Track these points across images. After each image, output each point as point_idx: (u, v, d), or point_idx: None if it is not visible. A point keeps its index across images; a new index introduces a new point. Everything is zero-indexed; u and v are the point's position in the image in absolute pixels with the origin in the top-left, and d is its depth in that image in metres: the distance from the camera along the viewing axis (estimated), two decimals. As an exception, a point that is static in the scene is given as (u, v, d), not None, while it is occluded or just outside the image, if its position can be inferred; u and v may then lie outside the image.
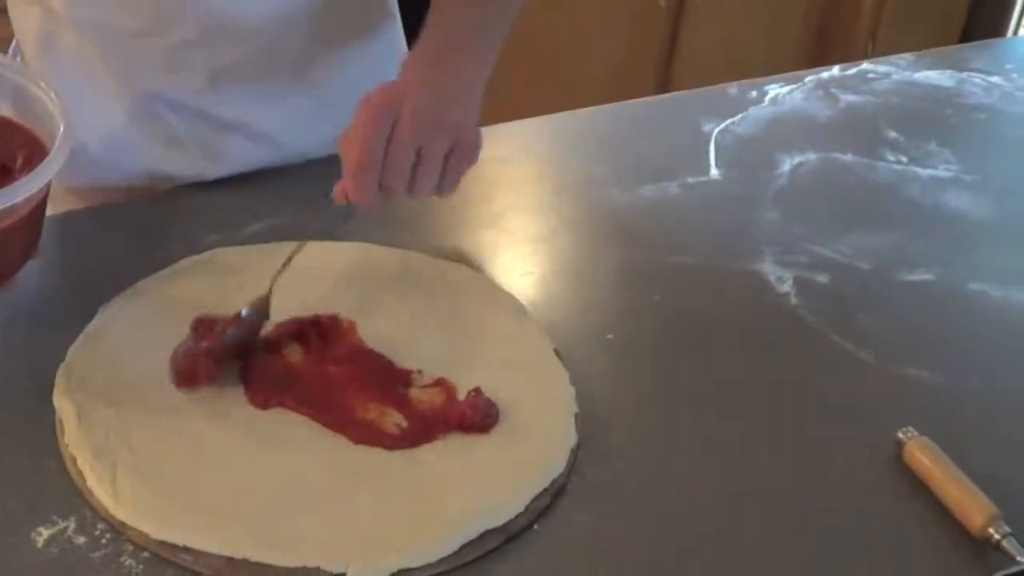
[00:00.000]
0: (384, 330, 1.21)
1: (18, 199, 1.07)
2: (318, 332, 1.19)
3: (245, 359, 1.15)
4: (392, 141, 1.17)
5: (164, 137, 1.42)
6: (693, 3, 3.32)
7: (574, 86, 3.17)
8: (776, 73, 1.87)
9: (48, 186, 1.13)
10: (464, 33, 1.27)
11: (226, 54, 1.38)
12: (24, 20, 1.41)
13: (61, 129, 1.12)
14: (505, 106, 3.09)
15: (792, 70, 1.89)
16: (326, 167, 1.27)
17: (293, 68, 1.44)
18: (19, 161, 1.16)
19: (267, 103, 1.44)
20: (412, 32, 1.33)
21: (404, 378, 1.15)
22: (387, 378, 1.15)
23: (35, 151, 1.15)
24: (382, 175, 1.17)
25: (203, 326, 1.16)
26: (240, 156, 1.45)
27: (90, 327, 1.18)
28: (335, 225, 1.24)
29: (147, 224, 1.31)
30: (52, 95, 1.17)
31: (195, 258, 1.29)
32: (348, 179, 1.18)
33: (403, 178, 1.18)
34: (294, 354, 1.16)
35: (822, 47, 3.43)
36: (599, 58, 3.32)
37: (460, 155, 1.21)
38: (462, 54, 1.26)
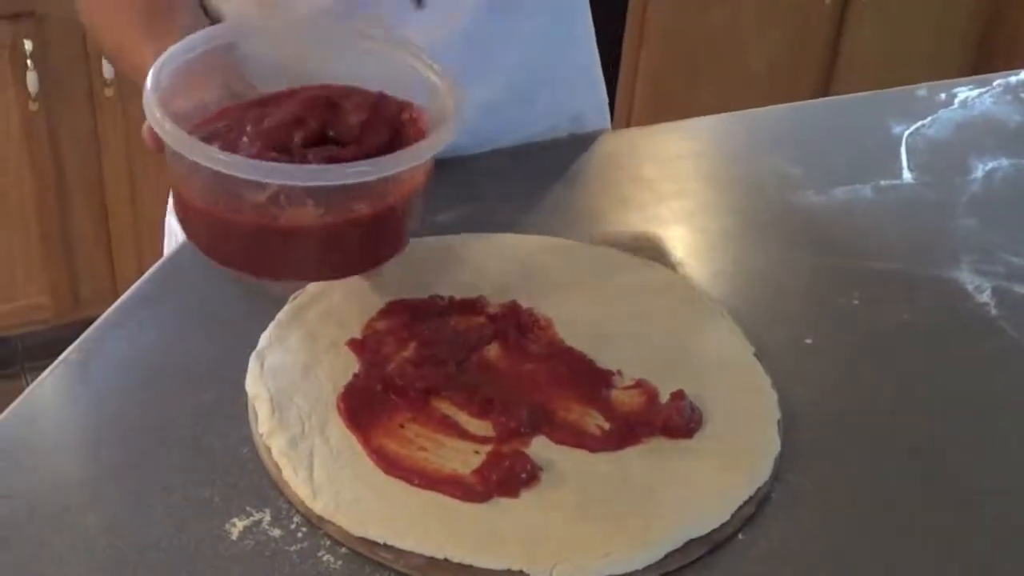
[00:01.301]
0: (580, 328, 1.18)
1: (419, 160, 1.07)
2: (517, 327, 1.15)
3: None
4: None
5: None
6: (859, 1, 3.28)
7: (732, 85, 3.14)
8: (939, 74, 1.83)
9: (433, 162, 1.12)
10: None
11: None
12: None
13: (455, 98, 1.11)
14: (661, 105, 3.08)
15: (956, 72, 1.86)
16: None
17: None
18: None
19: None
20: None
21: (605, 379, 1.12)
22: (588, 378, 1.11)
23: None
24: None
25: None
26: None
27: (281, 314, 1.16)
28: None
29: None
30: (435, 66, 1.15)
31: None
32: None
33: None
34: (491, 350, 1.13)
35: (984, 50, 3.36)
36: (759, 57, 3.29)
37: None
38: None
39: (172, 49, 1.12)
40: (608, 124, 1.64)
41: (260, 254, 1.09)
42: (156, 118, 1.03)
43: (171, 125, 1.02)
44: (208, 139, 1.06)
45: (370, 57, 1.18)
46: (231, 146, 1.06)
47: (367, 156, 1.06)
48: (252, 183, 1.02)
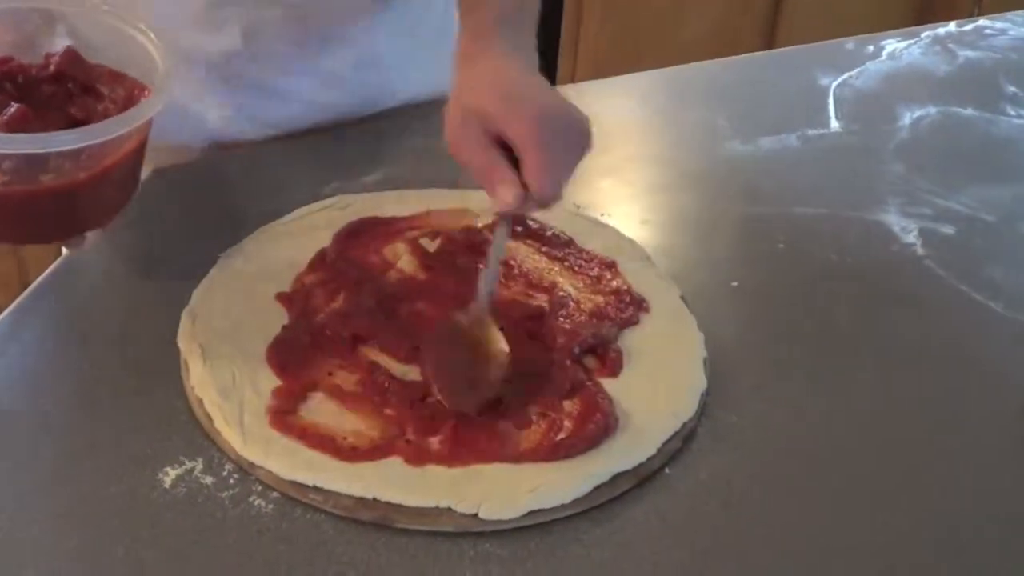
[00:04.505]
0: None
1: (122, 131, 1.04)
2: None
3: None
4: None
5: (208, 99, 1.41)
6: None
7: (673, 47, 3.15)
8: (881, 30, 1.85)
9: (148, 129, 1.11)
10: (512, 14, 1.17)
11: (260, 14, 1.36)
12: None
13: (162, 69, 1.10)
14: (604, 69, 3.08)
15: (897, 27, 1.87)
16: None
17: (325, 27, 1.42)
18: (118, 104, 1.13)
19: (301, 64, 1.42)
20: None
21: (537, 318, 1.15)
22: (518, 321, 1.14)
23: (135, 95, 1.13)
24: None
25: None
26: (280, 117, 1.44)
27: (213, 271, 1.18)
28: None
29: (264, 173, 1.30)
30: (152, 36, 1.14)
31: (322, 203, 1.29)
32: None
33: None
34: (420, 302, 1.16)
35: (927, 4, 3.38)
36: (698, 19, 3.29)
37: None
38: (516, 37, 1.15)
39: None
40: None
41: None
42: None
43: None
44: None
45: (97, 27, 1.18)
46: None
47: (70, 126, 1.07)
48: None
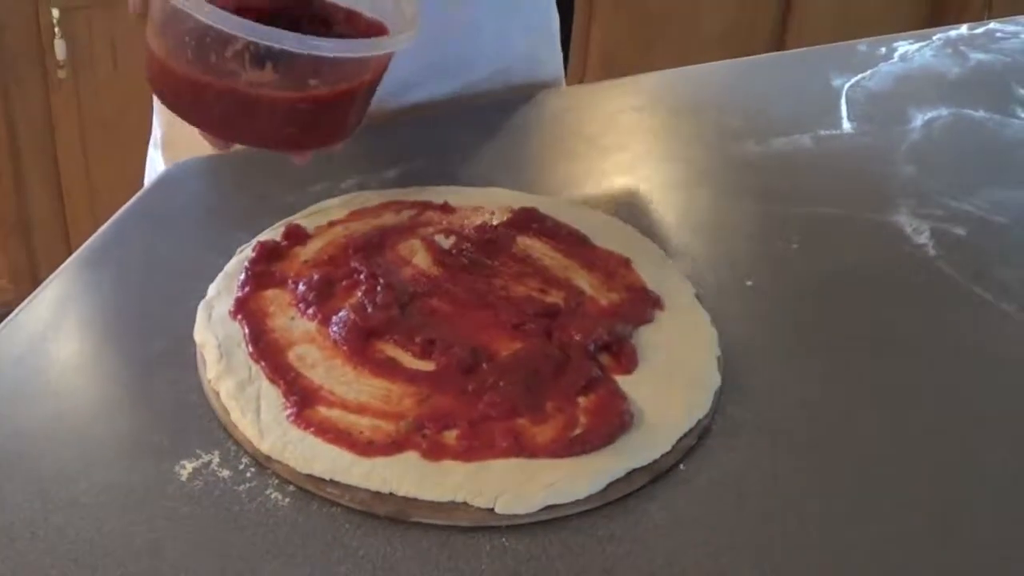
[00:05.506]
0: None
1: (380, 51, 1.11)
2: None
3: None
4: None
5: None
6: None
7: (685, 54, 3.16)
8: (890, 32, 1.85)
9: (388, 63, 1.16)
10: None
11: None
12: None
13: (408, 11, 1.15)
14: (613, 70, 3.08)
15: (906, 29, 1.87)
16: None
17: None
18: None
19: None
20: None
21: (551, 313, 1.15)
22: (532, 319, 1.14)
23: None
24: None
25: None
26: None
27: (229, 265, 1.18)
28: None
29: (283, 167, 1.30)
30: None
31: (342, 198, 1.30)
32: None
33: None
34: (435, 298, 1.17)
35: (937, 7, 3.39)
36: (711, 19, 3.30)
37: None
38: None
39: None
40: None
41: (220, 114, 1.14)
42: None
43: None
44: None
45: None
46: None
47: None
48: (220, 39, 1.07)
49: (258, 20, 1.06)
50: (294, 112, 1.12)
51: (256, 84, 1.10)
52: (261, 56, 1.08)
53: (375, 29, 1.19)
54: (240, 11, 1.07)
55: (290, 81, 1.10)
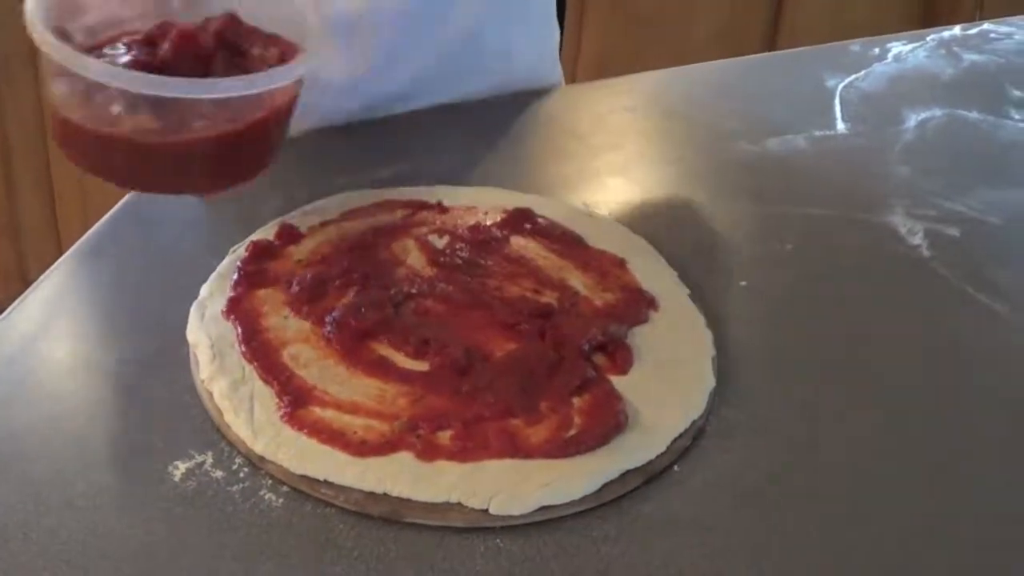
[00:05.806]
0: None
1: (275, 84, 1.07)
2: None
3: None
4: None
5: None
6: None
7: (679, 49, 3.16)
8: (882, 33, 1.85)
9: (299, 90, 1.13)
10: None
11: None
12: None
13: (315, 30, 1.13)
14: (609, 71, 3.08)
15: (898, 30, 1.88)
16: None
17: None
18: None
19: None
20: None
21: (545, 313, 1.15)
22: (527, 319, 1.14)
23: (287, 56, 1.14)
24: None
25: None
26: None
27: (221, 266, 1.18)
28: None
29: (274, 168, 1.30)
30: None
31: (335, 198, 1.30)
32: None
33: None
34: (428, 298, 1.16)
35: (929, 9, 3.39)
36: (704, 20, 3.30)
37: None
38: None
39: None
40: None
41: (124, 165, 1.10)
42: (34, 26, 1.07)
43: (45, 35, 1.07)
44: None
45: None
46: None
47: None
48: (108, 93, 1.04)
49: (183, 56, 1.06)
50: (188, 156, 1.09)
51: (140, 131, 1.05)
52: (133, 101, 1.05)
53: (290, 54, 1.14)
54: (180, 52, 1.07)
55: (172, 124, 1.06)
